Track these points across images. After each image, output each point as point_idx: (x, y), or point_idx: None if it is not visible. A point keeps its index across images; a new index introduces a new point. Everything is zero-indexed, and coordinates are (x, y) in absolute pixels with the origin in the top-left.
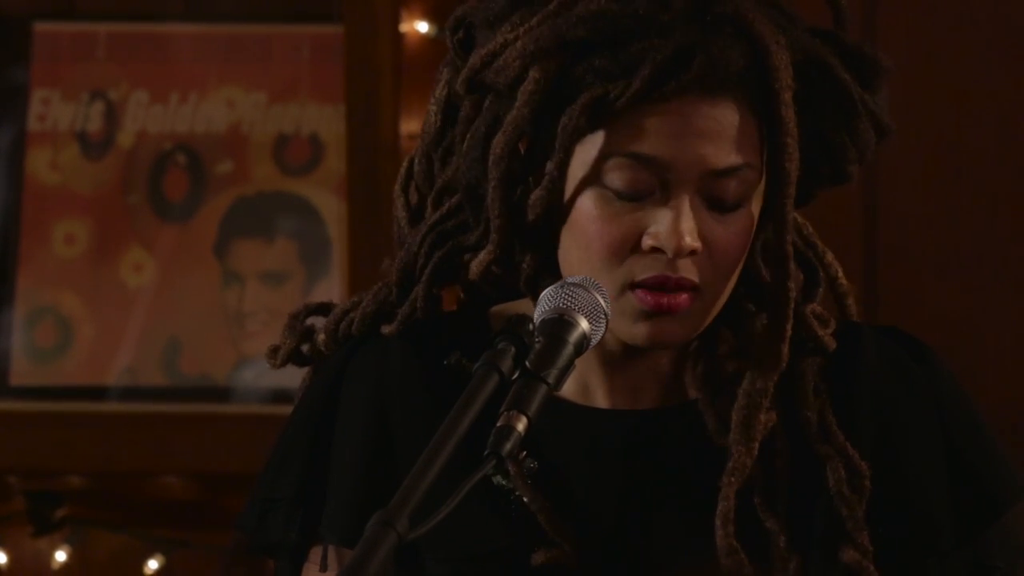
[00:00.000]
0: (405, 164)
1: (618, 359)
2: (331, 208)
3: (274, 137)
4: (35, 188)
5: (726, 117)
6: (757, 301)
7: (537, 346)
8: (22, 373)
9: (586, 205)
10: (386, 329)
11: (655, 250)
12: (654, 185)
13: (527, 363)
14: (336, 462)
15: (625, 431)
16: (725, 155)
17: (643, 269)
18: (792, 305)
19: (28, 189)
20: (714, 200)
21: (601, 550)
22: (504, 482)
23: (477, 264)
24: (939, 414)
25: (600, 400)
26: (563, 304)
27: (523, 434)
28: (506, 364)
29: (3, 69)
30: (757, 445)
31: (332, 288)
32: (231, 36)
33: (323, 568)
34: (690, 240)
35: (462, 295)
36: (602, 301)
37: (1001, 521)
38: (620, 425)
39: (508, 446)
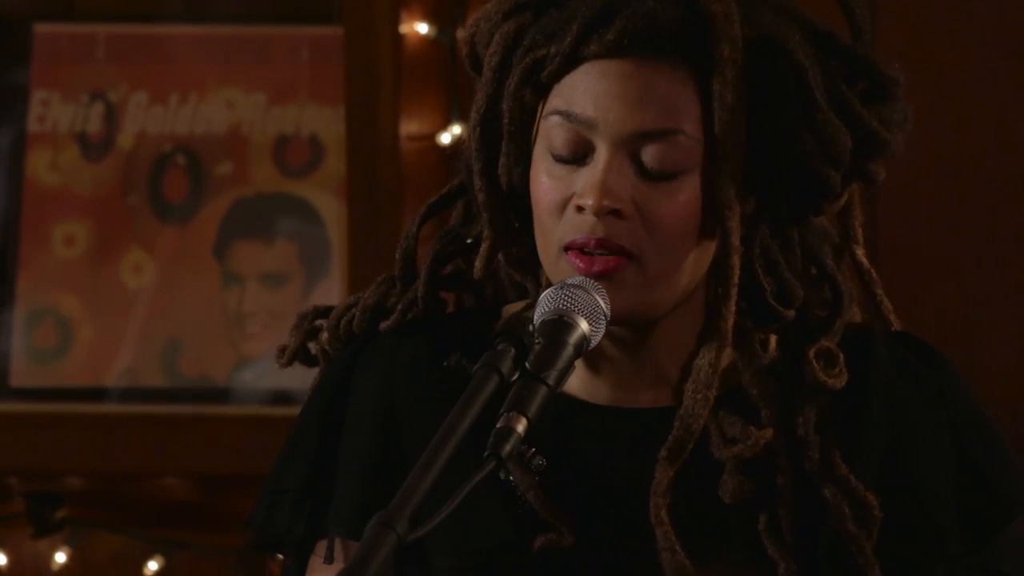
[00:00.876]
0: None
1: (621, 357)
2: (331, 209)
3: (274, 138)
4: (35, 189)
5: (658, 81)
6: (757, 318)
7: (537, 347)
8: (22, 374)
9: (537, 170)
10: (383, 325)
11: (581, 210)
12: (588, 147)
13: (527, 364)
14: (345, 455)
15: (627, 428)
16: (652, 117)
17: (571, 230)
18: (735, 281)
19: (28, 190)
20: (645, 165)
21: (602, 543)
22: (509, 478)
23: (480, 258)
24: (950, 419)
25: (606, 397)
26: (563, 305)
27: (523, 435)
28: (506, 365)
29: (3, 70)
30: (701, 422)
31: (332, 289)
32: (230, 37)
33: (328, 560)
34: (611, 199)
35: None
36: (602, 302)
37: (1010, 527)
38: (623, 422)
39: (507, 447)
